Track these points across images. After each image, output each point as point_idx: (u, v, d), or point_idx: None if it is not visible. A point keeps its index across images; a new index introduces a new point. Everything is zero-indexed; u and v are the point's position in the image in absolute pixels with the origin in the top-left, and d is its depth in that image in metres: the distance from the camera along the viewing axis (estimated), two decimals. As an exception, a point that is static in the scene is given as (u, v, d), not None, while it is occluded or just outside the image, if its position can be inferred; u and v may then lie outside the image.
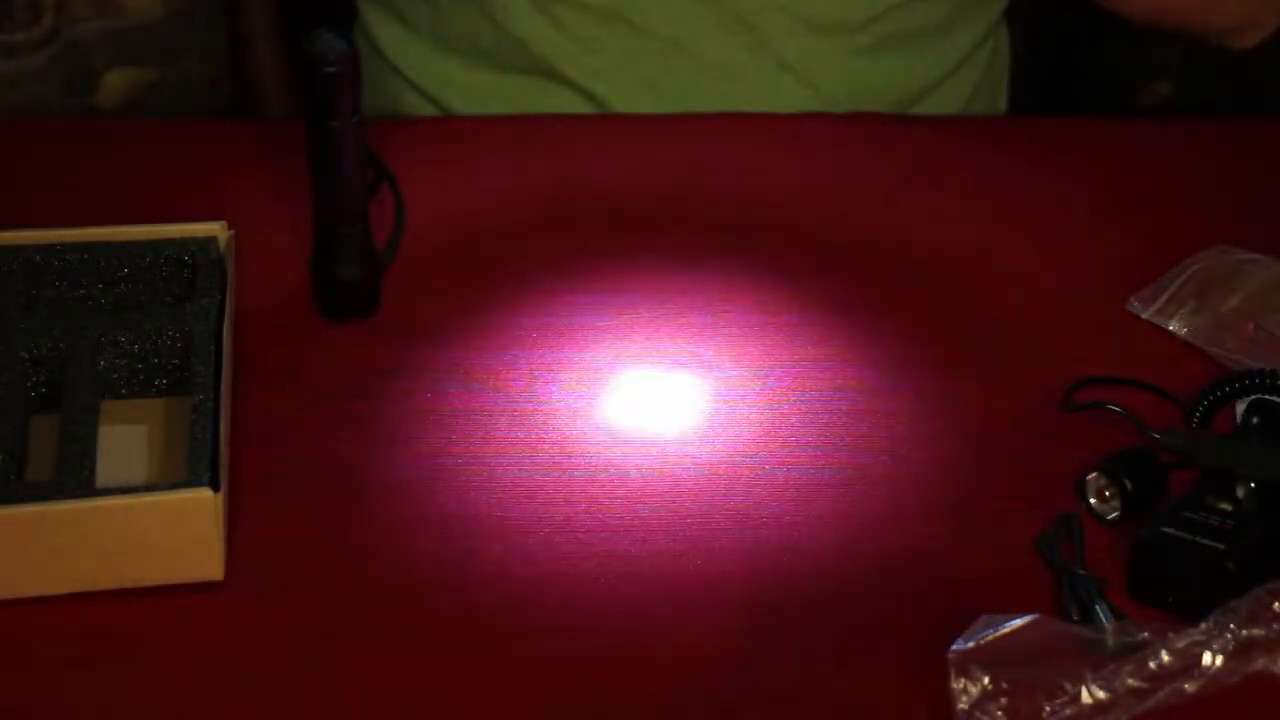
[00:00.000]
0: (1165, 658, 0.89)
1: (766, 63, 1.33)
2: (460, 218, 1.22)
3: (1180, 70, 1.50)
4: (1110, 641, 0.90)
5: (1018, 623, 0.90)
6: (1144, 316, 1.15)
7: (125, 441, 1.03)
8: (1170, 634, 0.90)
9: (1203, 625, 0.90)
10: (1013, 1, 1.41)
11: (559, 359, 1.11)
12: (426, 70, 1.39)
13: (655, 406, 1.08)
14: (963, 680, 0.88)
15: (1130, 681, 0.89)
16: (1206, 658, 0.89)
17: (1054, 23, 1.36)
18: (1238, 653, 0.90)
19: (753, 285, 1.17)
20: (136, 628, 0.94)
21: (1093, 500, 1.01)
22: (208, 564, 0.96)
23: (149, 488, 0.95)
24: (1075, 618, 0.93)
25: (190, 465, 0.97)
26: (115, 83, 1.46)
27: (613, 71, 1.34)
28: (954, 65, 1.39)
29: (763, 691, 0.92)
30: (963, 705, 0.88)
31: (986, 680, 0.88)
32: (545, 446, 1.05)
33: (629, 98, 1.34)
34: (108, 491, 0.95)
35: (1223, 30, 1.33)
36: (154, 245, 1.11)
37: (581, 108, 1.35)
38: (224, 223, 1.12)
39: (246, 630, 0.95)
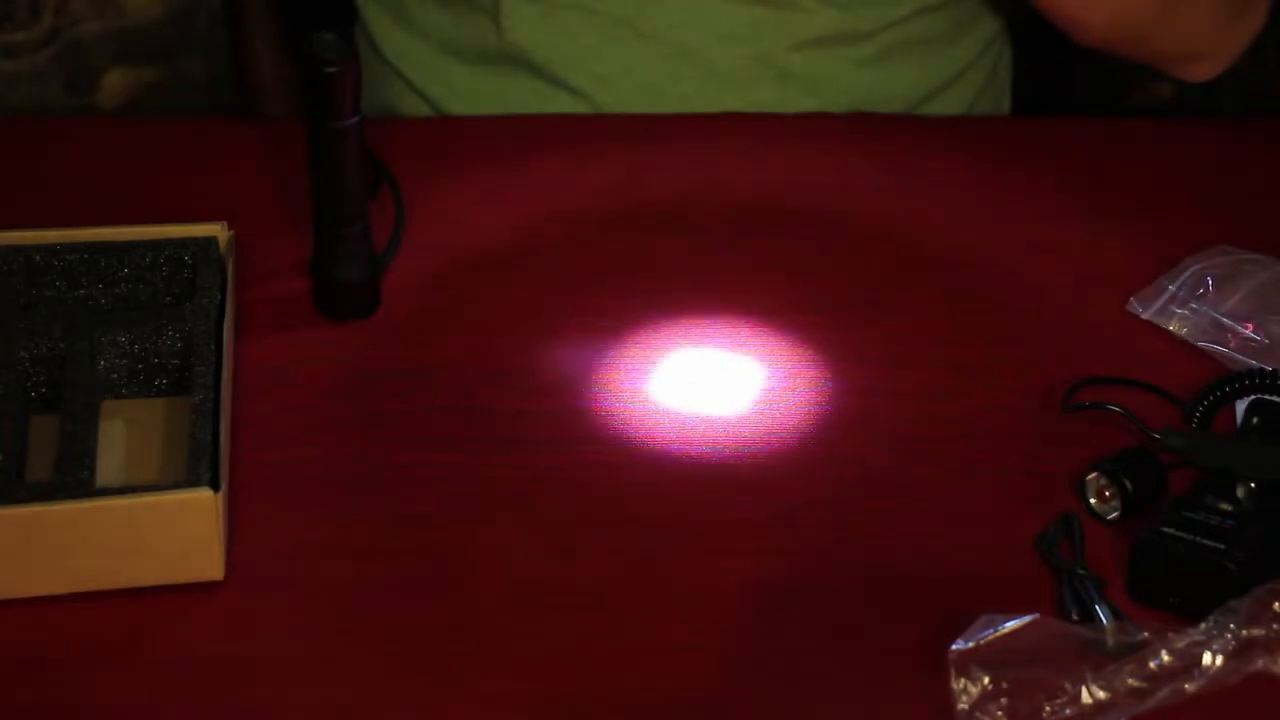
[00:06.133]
0: (1165, 658, 0.89)
1: (770, 72, 1.33)
2: (460, 218, 1.22)
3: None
4: (1110, 641, 0.90)
5: (1018, 623, 0.90)
6: (1144, 316, 1.15)
7: (125, 442, 1.03)
8: (1170, 634, 0.90)
9: (1203, 625, 0.90)
10: (1015, 7, 1.41)
11: (559, 359, 1.11)
12: (427, 73, 1.38)
13: (655, 407, 1.08)
14: (963, 680, 0.88)
15: (1130, 681, 0.88)
16: (1206, 658, 0.89)
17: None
18: (1238, 653, 0.90)
19: (752, 286, 1.17)
20: (136, 628, 0.94)
21: (1093, 500, 1.01)
22: (208, 564, 0.96)
23: (149, 488, 0.95)
24: (1075, 618, 0.93)
25: (190, 465, 0.97)
26: (115, 83, 1.47)
27: (617, 78, 1.34)
28: (958, 73, 1.39)
29: (762, 692, 0.92)
30: (963, 705, 0.88)
31: (986, 680, 0.88)
32: (545, 446, 1.05)
33: (632, 105, 1.34)
34: (108, 491, 0.95)
35: (1176, 58, 1.33)
36: (154, 245, 1.11)
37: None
38: (224, 223, 1.12)
39: (246, 630, 0.95)
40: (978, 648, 0.89)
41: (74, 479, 0.95)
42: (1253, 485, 0.97)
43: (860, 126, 1.32)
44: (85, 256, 1.10)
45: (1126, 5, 1.25)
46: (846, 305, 1.15)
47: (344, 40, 1.06)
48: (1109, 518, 1.01)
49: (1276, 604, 0.91)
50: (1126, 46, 1.30)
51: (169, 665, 0.93)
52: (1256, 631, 0.90)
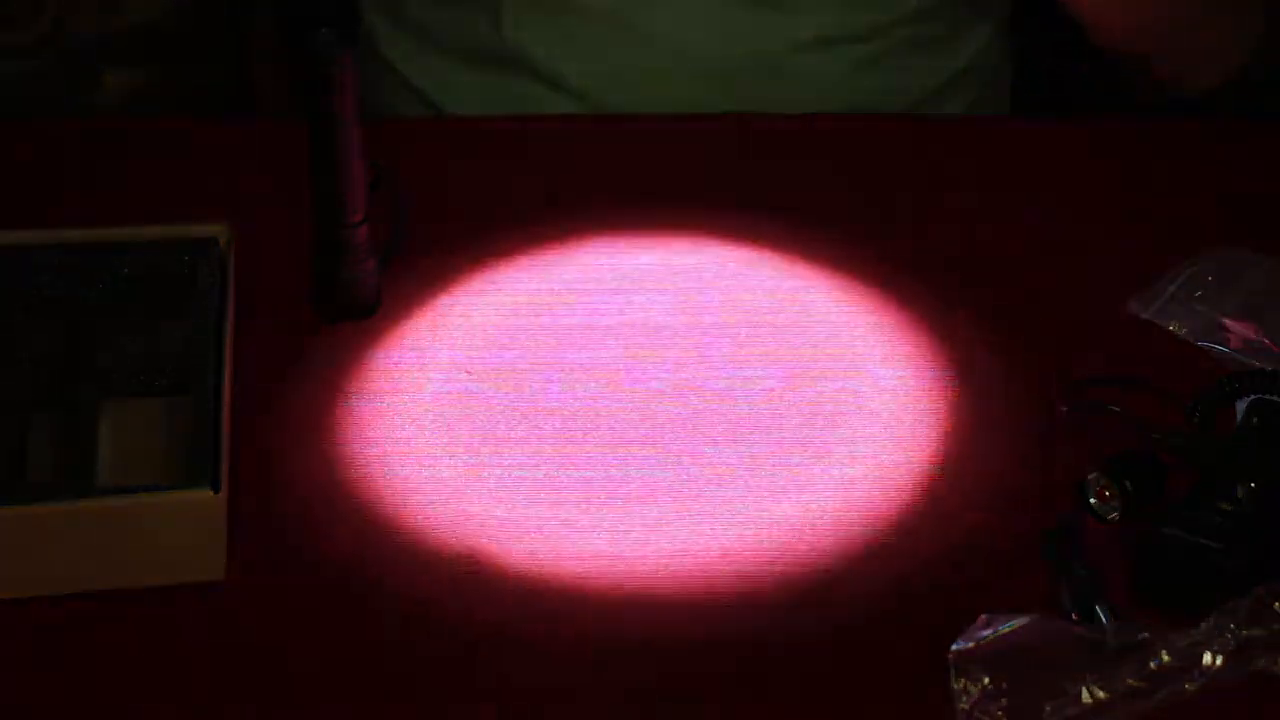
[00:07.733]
0: (1165, 658, 0.89)
1: (770, 72, 1.33)
2: (459, 218, 1.22)
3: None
4: (1110, 641, 0.90)
5: (1018, 623, 0.90)
6: (1144, 316, 1.15)
7: (126, 442, 1.03)
8: (1170, 634, 0.90)
9: (1203, 625, 0.90)
10: (1014, 7, 1.41)
11: (559, 359, 1.11)
12: (427, 73, 1.38)
13: (656, 407, 1.08)
14: (963, 680, 0.88)
15: (1130, 681, 0.89)
16: (1206, 658, 0.89)
17: (1056, 22, 1.36)
18: (1238, 653, 0.90)
19: (751, 286, 1.17)
20: (136, 628, 0.94)
21: (1093, 500, 1.01)
22: (208, 564, 0.96)
23: (149, 488, 0.95)
24: (1075, 618, 0.93)
25: (190, 465, 0.97)
26: (115, 83, 1.46)
27: (617, 78, 1.34)
28: (957, 74, 1.39)
29: (762, 691, 0.92)
30: (963, 705, 0.88)
31: (986, 680, 0.88)
32: (545, 446, 1.05)
33: (632, 105, 1.34)
34: (108, 491, 0.95)
35: (1182, 70, 1.34)
36: (154, 245, 1.11)
37: None
38: (224, 223, 1.12)
39: (246, 630, 0.95)
40: (978, 648, 0.89)
41: (74, 479, 0.95)
42: (1253, 485, 0.97)
43: (860, 126, 1.32)
44: (85, 256, 1.10)
45: (1158, 16, 1.26)
46: (844, 304, 1.15)
47: (344, 40, 1.06)
48: (1109, 518, 1.00)
49: (1276, 604, 0.91)
50: (1144, 47, 1.31)
51: (169, 665, 0.93)
52: (1256, 631, 0.90)
